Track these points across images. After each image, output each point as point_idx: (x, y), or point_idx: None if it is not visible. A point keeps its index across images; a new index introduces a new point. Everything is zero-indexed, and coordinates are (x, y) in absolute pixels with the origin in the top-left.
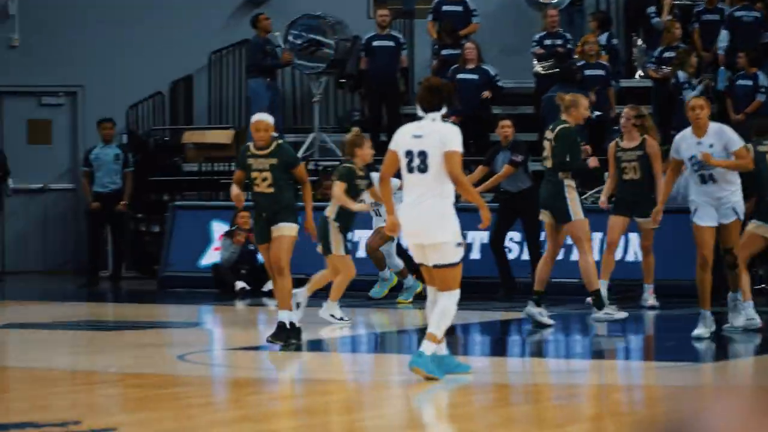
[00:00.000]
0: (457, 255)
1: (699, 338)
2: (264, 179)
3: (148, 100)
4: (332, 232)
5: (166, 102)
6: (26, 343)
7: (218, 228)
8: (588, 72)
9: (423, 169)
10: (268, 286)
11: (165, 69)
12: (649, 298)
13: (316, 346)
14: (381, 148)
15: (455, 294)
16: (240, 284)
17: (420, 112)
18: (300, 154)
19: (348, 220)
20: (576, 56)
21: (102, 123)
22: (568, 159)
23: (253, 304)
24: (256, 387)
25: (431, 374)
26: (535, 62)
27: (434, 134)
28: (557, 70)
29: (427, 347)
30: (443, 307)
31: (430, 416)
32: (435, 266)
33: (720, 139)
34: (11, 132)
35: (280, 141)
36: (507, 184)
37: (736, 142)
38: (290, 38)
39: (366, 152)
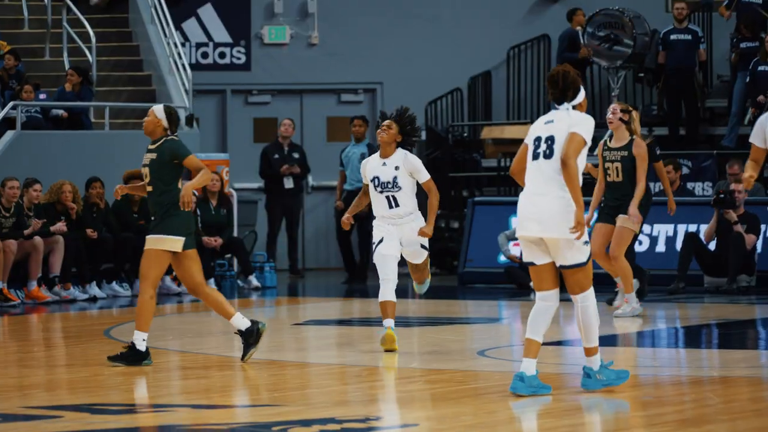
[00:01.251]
0: (585, 254)
1: None
2: (145, 176)
3: (446, 96)
4: None
5: (465, 98)
6: (325, 339)
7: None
8: None
9: (549, 154)
10: None
11: (463, 65)
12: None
13: (619, 340)
14: (680, 142)
15: (590, 294)
16: None
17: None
18: None
19: None
20: None
21: (353, 120)
22: None
23: None
24: (559, 382)
25: (609, 386)
26: None
27: (564, 120)
28: None
29: (594, 362)
30: (584, 315)
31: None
32: (562, 267)
33: None
34: (311, 129)
35: (172, 136)
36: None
37: None
38: (589, 33)
39: None
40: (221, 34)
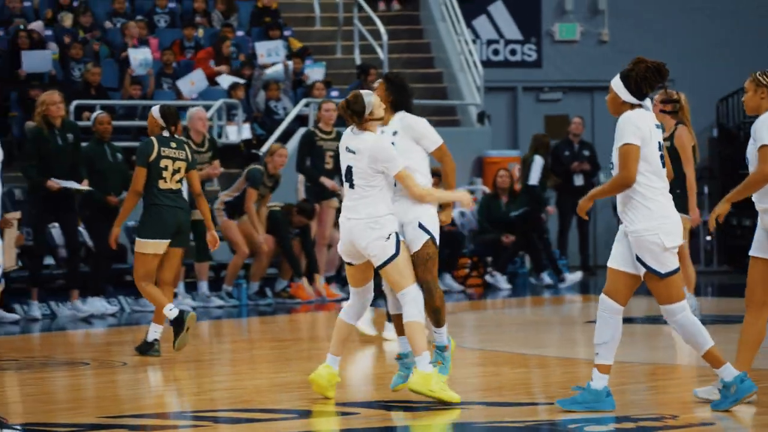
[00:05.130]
0: None
1: None
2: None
3: (738, 93)
4: None
5: None
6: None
7: None
8: None
9: (663, 165)
10: None
11: (756, 60)
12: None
13: None
14: None
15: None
16: None
17: (630, 98)
18: None
19: None
20: None
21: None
22: None
23: None
24: None
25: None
26: None
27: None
28: None
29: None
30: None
31: None
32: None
33: None
34: (602, 127)
35: (151, 137)
36: None
37: None
38: None
39: None
40: (512, 31)
